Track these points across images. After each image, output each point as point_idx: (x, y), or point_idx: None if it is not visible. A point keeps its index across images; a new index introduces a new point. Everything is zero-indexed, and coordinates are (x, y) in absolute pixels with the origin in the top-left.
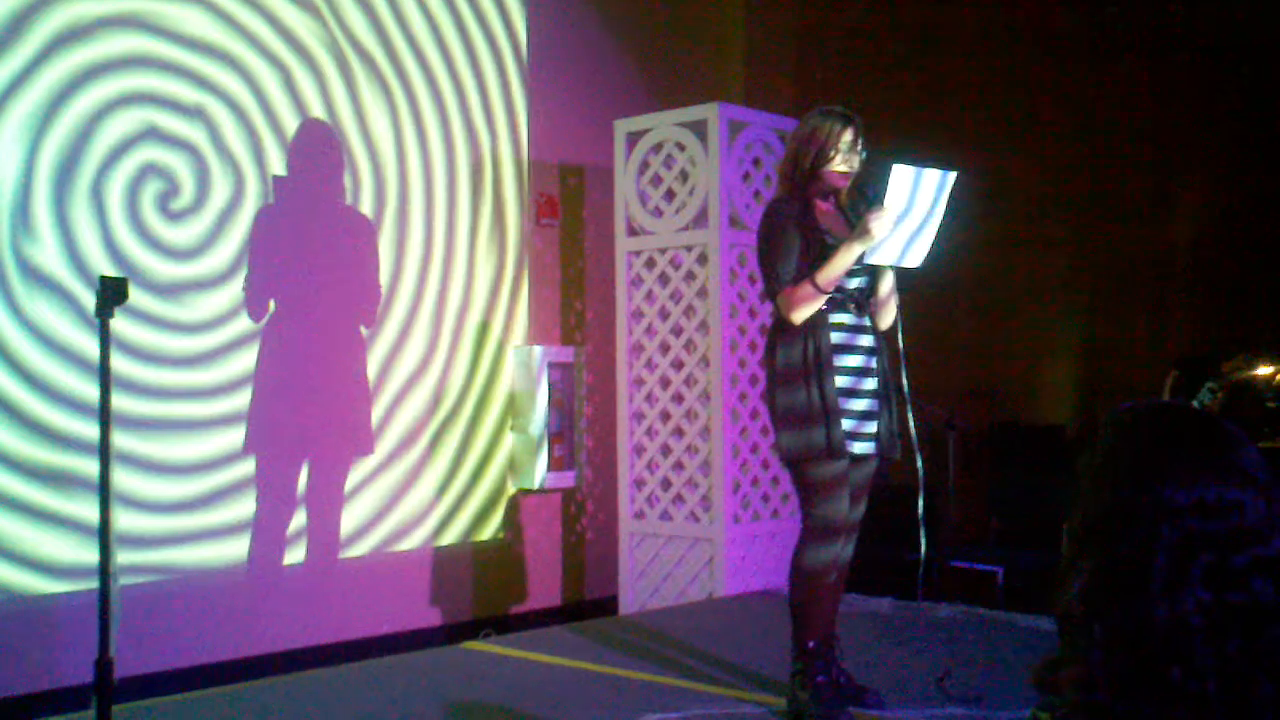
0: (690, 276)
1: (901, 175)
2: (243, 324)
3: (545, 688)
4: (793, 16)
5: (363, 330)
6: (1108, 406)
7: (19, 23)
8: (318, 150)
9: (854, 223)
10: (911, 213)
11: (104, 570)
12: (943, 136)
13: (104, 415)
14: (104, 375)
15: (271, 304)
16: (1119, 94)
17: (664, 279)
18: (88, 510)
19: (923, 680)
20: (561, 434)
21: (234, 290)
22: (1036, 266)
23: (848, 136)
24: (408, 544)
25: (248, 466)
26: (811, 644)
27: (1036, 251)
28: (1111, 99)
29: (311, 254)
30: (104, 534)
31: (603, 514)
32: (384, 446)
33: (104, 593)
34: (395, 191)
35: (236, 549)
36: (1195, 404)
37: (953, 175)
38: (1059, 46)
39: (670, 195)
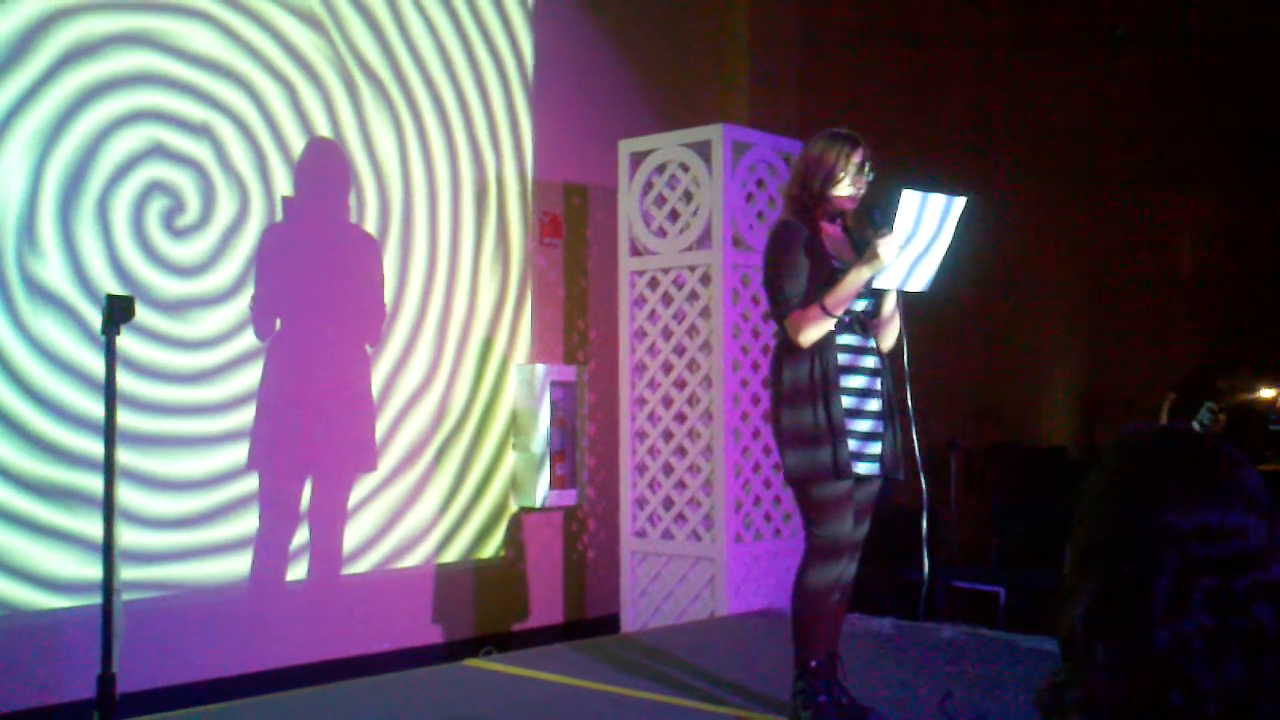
0: (693, 297)
1: (909, 200)
2: (246, 341)
3: (546, 705)
4: (798, 38)
5: (367, 348)
6: (1110, 428)
7: (26, 40)
8: (323, 168)
9: (860, 246)
10: (917, 237)
11: (107, 585)
12: (948, 159)
13: (109, 432)
14: (109, 392)
15: (277, 322)
16: (1122, 117)
17: (667, 299)
18: (91, 525)
19: (925, 701)
20: (564, 452)
21: (238, 307)
22: (1040, 289)
23: (856, 159)
24: (410, 561)
25: (251, 482)
26: (814, 663)
27: (1040, 274)
28: (1115, 122)
29: (316, 272)
30: (108, 549)
31: (604, 532)
32: (387, 463)
33: (107, 608)
34: (400, 209)
35: (239, 565)
36: (1196, 424)
37: (961, 200)
38: (1064, 71)
39: (674, 215)
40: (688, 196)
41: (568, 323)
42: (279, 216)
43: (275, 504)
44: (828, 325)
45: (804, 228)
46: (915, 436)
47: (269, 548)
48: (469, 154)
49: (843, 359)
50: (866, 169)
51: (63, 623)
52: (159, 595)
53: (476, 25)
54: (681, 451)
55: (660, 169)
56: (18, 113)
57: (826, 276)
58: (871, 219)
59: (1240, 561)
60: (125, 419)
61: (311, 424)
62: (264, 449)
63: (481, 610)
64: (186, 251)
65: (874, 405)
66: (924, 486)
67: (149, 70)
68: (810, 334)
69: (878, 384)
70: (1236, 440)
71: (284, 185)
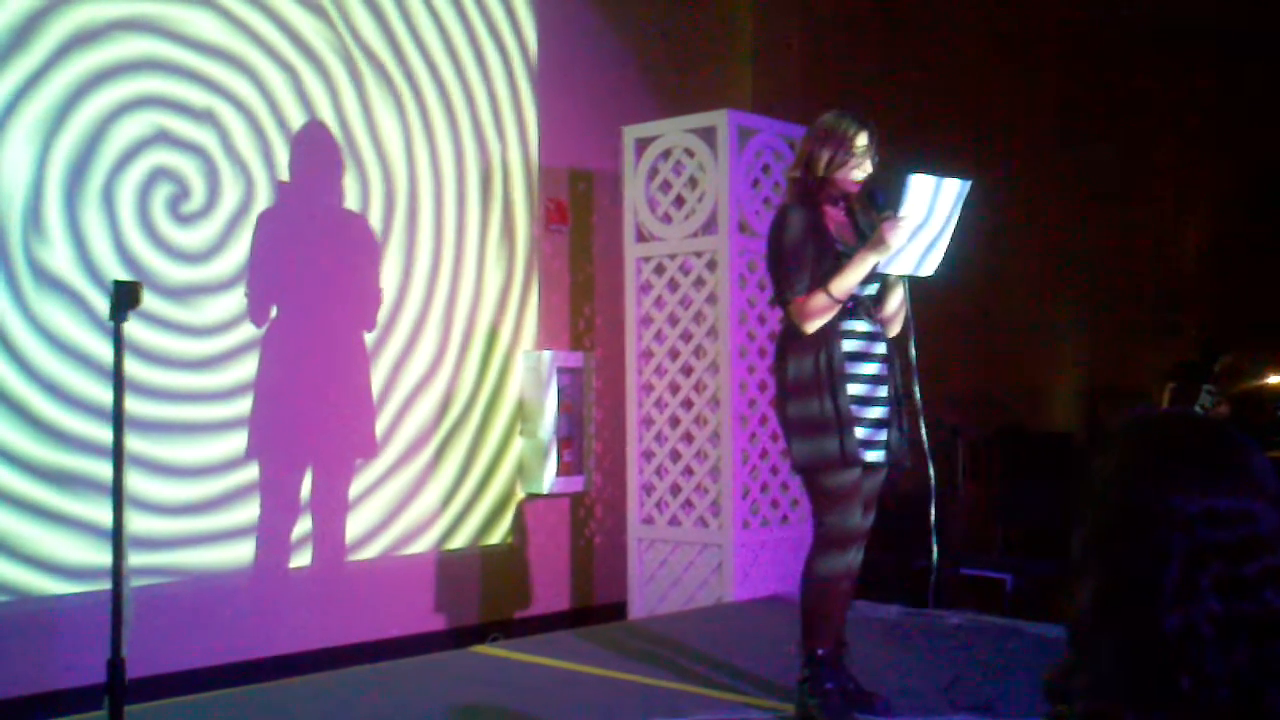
0: (700, 282)
1: (920, 185)
2: (252, 327)
3: (553, 692)
4: (802, 24)
5: (365, 334)
6: (1116, 414)
7: (30, 26)
8: (318, 154)
9: (864, 230)
10: (929, 223)
11: (116, 571)
12: (951, 143)
13: (117, 418)
14: (118, 379)
15: (273, 309)
16: (1127, 100)
17: (673, 285)
18: (96, 511)
19: (931, 687)
20: (570, 439)
21: (243, 294)
22: (1045, 273)
23: (862, 141)
24: (416, 548)
25: (257, 468)
26: (821, 651)
27: (1044, 258)
28: (1120, 105)
29: (311, 257)
30: (117, 535)
31: (611, 519)
32: (393, 451)
33: (116, 593)
34: (405, 197)
35: (247, 551)
36: (1197, 409)
37: (967, 184)
38: (1068, 55)
39: (679, 201)
40: (693, 182)
41: (574, 309)
42: (276, 201)
43: (275, 492)
44: (833, 311)
45: (807, 212)
46: (923, 424)
47: (271, 535)
48: (473, 141)
49: (855, 346)
50: (872, 151)
51: (71, 608)
52: (165, 581)
53: (480, 11)
54: (688, 438)
55: (665, 155)
56: (22, 99)
57: (831, 261)
58: (875, 202)
59: (1250, 546)
60: (132, 405)
61: (309, 411)
62: (262, 437)
63: (488, 597)
64: (192, 237)
65: (884, 393)
66: (931, 474)
67: (152, 57)
68: (815, 321)
69: (887, 371)
70: (1243, 426)
71: (288, 172)
